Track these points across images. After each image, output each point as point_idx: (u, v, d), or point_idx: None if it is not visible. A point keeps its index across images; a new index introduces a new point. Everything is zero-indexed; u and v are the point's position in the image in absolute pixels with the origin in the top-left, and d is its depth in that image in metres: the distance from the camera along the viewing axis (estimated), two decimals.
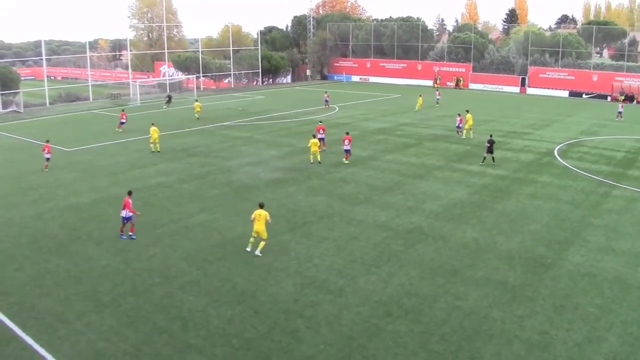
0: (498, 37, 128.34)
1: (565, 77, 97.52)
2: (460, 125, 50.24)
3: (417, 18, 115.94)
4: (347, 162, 37.99)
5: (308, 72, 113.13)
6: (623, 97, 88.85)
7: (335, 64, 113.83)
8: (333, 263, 21.90)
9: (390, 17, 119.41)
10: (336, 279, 20.53)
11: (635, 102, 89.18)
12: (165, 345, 16.15)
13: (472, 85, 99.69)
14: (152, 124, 43.26)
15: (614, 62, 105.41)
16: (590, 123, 62.38)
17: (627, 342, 16.89)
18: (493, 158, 39.05)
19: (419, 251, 23.27)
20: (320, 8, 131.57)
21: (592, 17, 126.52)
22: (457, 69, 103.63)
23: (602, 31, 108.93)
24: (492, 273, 21.35)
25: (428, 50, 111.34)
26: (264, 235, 22.42)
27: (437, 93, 77.56)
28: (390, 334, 16.79)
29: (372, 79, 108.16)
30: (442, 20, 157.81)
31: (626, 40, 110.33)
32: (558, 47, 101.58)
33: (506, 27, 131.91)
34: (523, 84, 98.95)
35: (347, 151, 38.19)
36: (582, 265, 22.45)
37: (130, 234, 24.38)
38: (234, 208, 28.70)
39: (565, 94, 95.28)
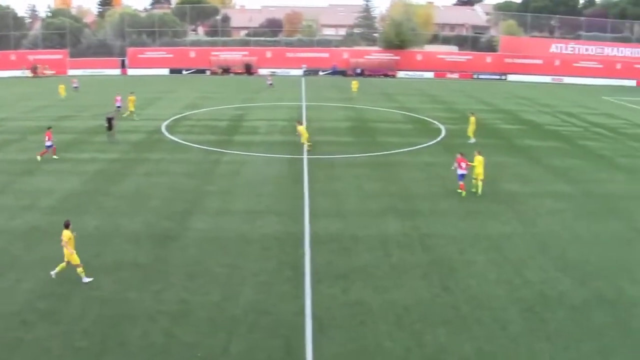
0: (94, 20, 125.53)
1: (164, 55, 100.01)
2: (120, 104, 51.17)
3: (7, 6, 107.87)
4: (39, 158, 34.59)
5: None
6: (221, 70, 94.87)
7: None
8: None
9: None
10: None
11: (230, 74, 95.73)
12: None
13: (72, 72, 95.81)
14: None
15: (209, 38, 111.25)
16: (193, 97, 65.15)
17: (260, 291, 18.26)
18: (111, 134, 39.87)
19: (42, 250, 21.42)
20: None
21: None
22: (53, 56, 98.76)
23: (196, 9, 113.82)
24: (122, 256, 20.86)
25: (21, 39, 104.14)
26: (66, 257, 18.75)
27: (74, 81, 72.08)
28: (31, 343, 15.24)
29: None
30: (34, 7, 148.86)
31: (219, 17, 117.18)
32: (154, 27, 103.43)
33: (101, 10, 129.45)
34: (123, 65, 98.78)
35: (49, 147, 34.77)
36: (206, 230, 23.39)
37: None
38: None
39: (165, 71, 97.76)
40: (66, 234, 18.62)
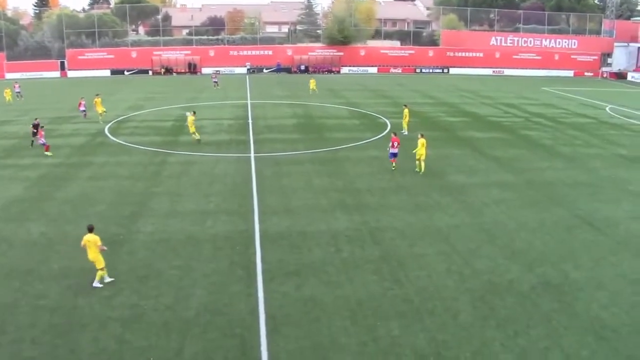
0: (30, 22, 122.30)
1: (105, 56, 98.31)
2: (84, 108, 50.12)
3: None
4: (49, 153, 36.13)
5: None
6: (164, 70, 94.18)
7: None
8: None
9: None
10: None
11: (173, 73, 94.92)
12: None
13: (9, 75, 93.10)
14: None
15: (150, 38, 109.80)
16: (135, 98, 64.19)
17: (212, 291, 18.16)
18: (33, 142, 38.71)
19: None
20: None
21: None
22: None
23: (136, 9, 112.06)
24: (70, 263, 20.39)
25: None
26: (99, 263, 18.39)
27: (16, 85, 67.39)
28: None
29: None
30: None
31: (160, 16, 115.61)
32: (94, 28, 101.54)
33: (37, 11, 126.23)
34: (63, 67, 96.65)
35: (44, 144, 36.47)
36: (155, 233, 23.11)
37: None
38: None
39: (107, 73, 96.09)
40: (92, 237, 18.46)
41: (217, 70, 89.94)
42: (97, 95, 50.54)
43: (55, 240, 22.56)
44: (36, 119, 41.19)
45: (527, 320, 16.33)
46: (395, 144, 31.76)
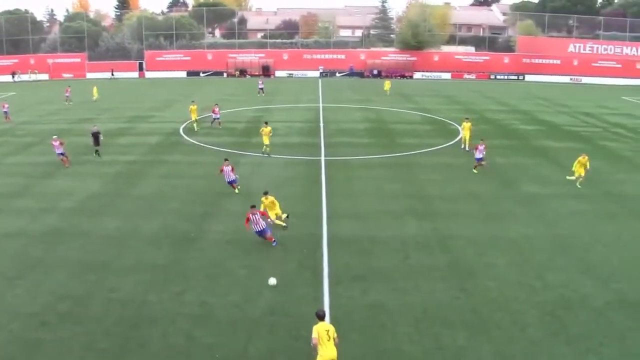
0: (111, 24, 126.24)
1: (182, 58, 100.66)
2: (218, 116, 48.24)
3: (25, 10, 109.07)
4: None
5: None
6: (238, 72, 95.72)
7: None
8: None
9: None
10: None
11: (247, 76, 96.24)
12: None
13: (89, 75, 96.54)
14: None
15: (226, 41, 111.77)
16: (210, 99, 65.07)
17: (280, 292, 18.29)
18: (97, 151, 37.11)
19: (63, 252, 21.65)
20: None
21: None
22: (72, 60, 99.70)
23: (212, 12, 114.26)
24: (141, 258, 21.00)
25: (40, 43, 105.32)
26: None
27: (68, 90, 64.94)
28: (52, 344, 15.43)
29: None
30: (52, 11, 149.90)
31: (236, 20, 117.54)
32: (172, 30, 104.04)
33: (118, 13, 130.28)
34: (141, 68, 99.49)
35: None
36: (225, 232, 23.46)
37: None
38: None
39: (183, 74, 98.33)
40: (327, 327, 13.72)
41: (290, 74, 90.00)
42: (193, 102, 48.89)
43: (128, 235, 23.21)
44: (94, 127, 38.87)
45: (601, 338, 15.73)
46: (481, 147, 32.59)
